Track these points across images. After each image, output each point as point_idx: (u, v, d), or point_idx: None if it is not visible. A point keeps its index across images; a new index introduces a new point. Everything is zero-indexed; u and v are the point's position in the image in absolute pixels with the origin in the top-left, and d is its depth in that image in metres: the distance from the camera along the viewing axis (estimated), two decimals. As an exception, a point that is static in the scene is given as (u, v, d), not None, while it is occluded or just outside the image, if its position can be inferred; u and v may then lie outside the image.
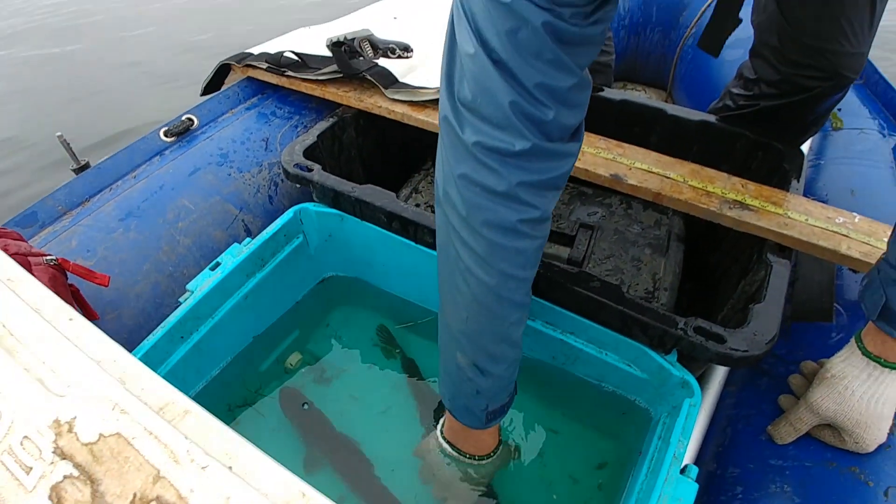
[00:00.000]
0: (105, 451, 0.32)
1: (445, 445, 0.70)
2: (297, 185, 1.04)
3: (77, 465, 0.31)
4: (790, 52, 0.85)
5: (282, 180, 1.01)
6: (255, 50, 1.12)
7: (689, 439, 0.64)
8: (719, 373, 0.84)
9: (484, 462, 0.70)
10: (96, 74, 3.05)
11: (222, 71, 1.14)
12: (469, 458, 0.70)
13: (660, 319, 0.66)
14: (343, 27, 1.15)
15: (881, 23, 0.82)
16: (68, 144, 0.93)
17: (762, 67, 0.90)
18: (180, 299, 0.74)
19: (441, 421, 0.73)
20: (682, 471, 0.60)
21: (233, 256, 0.79)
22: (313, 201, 0.88)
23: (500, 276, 0.54)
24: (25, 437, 0.33)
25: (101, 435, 0.32)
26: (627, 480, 0.73)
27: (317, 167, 0.85)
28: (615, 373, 0.76)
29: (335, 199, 0.84)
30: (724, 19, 0.48)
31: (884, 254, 0.57)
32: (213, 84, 1.15)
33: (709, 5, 1.61)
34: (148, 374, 0.35)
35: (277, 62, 1.06)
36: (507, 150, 0.47)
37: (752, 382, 0.79)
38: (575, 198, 1.00)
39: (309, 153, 0.89)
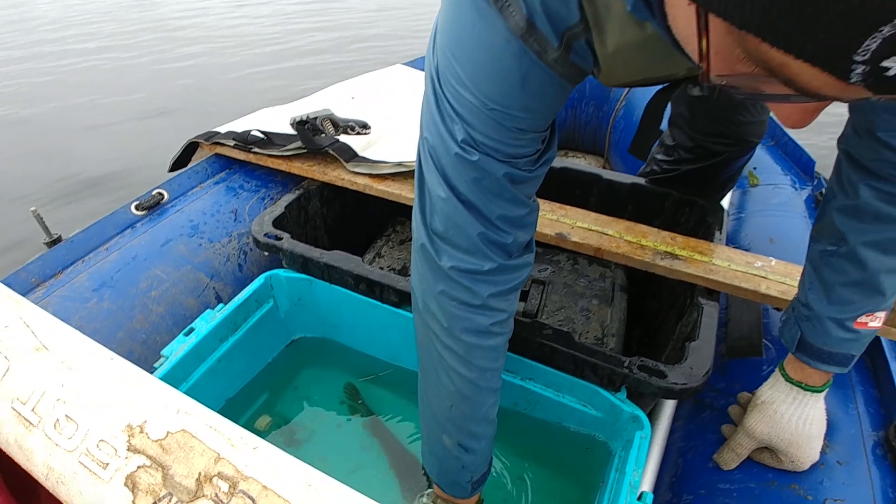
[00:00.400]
0: (173, 444, 0.37)
1: None
2: (266, 254, 1.08)
3: (149, 458, 0.37)
4: (699, 122, 0.99)
5: (251, 249, 1.06)
6: (222, 129, 1.19)
7: (642, 468, 0.69)
8: (667, 409, 0.91)
9: None
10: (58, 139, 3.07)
11: (190, 149, 1.21)
12: None
13: (607, 360, 0.73)
14: (305, 107, 1.25)
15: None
16: (41, 218, 0.96)
17: (678, 135, 1.04)
18: (155, 365, 0.76)
19: (428, 492, 0.80)
20: (639, 498, 0.66)
21: (206, 322, 0.82)
22: (282, 268, 0.93)
23: (479, 370, 0.63)
24: (101, 440, 0.37)
25: (168, 432, 0.38)
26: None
27: (286, 235, 0.91)
28: (573, 414, 0.82)
29: (304, 265, 0.89)
30: (650, 131, 0.60)
31: (797, 293, 0.67)
32: (181, 161, 1.21)
33: (635, 82, 1.80)
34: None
35: (244, 140, 1.13)
36: (478, 270, 0.57)
37: (698, 416, 0.86)
38: (527, 255, 1.09)
39: (277, 223, 0.95)
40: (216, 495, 0.36)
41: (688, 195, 1.04)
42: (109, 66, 4.25)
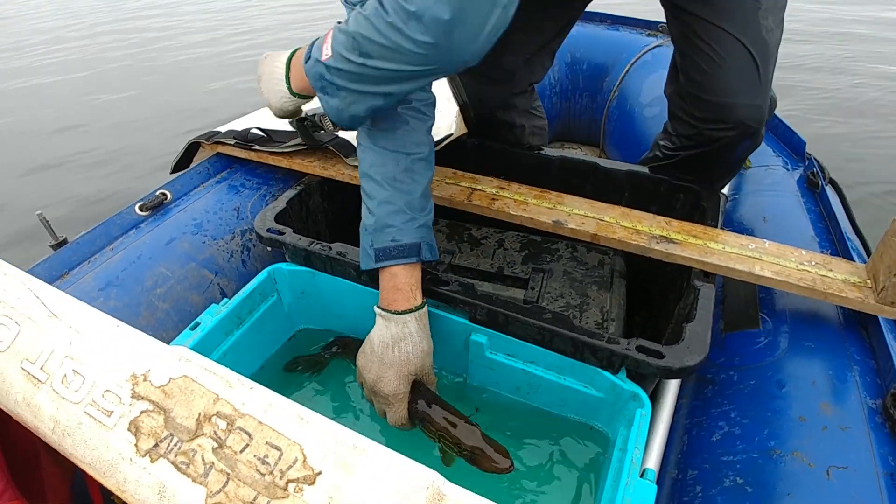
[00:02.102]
0: (174, 389, 0.40)
1: (377, 310, 0.81)
2: (269, 249, 1.10)
3: (152, 402, 0.40)
4: (695, 109, 1.01)
5: (254, 245, 1.08)
6: (223, 129, 1.21)
7: (643, 446, 0.71)
8: (671, 390, 0.93)
9: (405, 315, 0.79)
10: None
11: (191, 150, 1.22)
12: (393, 312, 0.78)
13: (606, 341, 0.75)
14: (304, 105, 1.26)
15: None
16: (47, 221, 0.97)
17: (678, 124, 1.06)
18: (163, 359, 0.78)
19: None
20: (641, 475, 0.67)
21: (212, 315, 0.84)
22: (285, 262, 0.94)
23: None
24: (107, 390, 0.39)
25: (170, 378, 0.41)
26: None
27: (288, 230, 0.92)
28: (574, 396, 0.83)
29: (307, 258, 0.91)
30: None
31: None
32: (183, 162, 1.23)
33: (626, 72, 1.83)
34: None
35: (245, 138, 1.15)
36: None
37: (700, 392, 0.88)
38: (526, 245, 1.11)
39: (279, 218, 0.97)
40: (214, 433, 0.38)
41: (683, 181, 1.06)
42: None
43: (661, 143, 1.14)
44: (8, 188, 2.78)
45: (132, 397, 0.40)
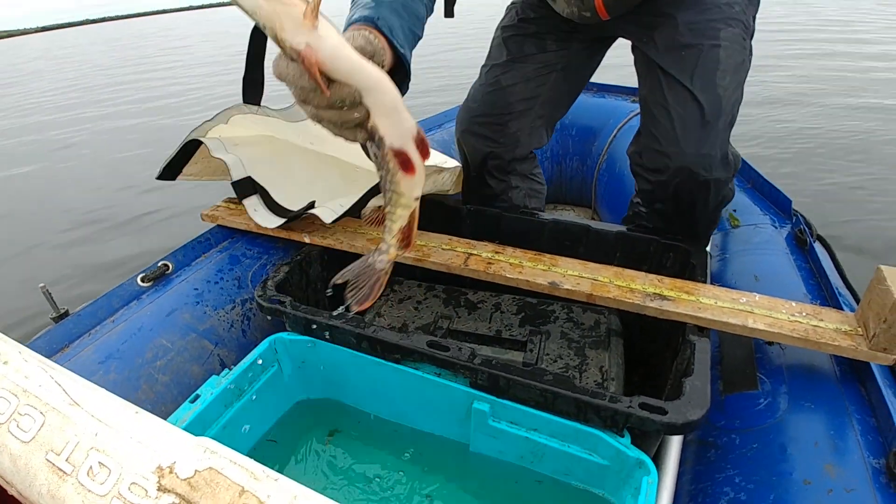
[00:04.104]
0: (200, 482, 0.39)
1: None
2: (269, 318, 1.11)
3: (178, 495, 0.39)
4: (648, 161, 1.09)
5: (254, 314, 1.09)
6: (223, 134, 1.17)
7: (651, 513, 0.69)
8: (673, 453, 0.91)
9: None
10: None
11: (188, 149, 1.15)
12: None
13: (609, 400, 0.75)
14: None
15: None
16: (50, 294, 0.98)
17: (639, 181, 1.14)
18: (163, 434, 0.77)
19: None
20: (650, 543, 0.66)
21: (212, 387, 0.84)
22: (286, 331, 0.95)
23: None
24: (133, 483, 0.39)
25: (196, 471, 0.41)
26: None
27: (288, 299, 0.94)
28: (579, 464, 0.82)
29: (307, 327, 0.92)
30: None
31: None
32: (176, 163, 1.17)
33: (614, 136, 1.90)
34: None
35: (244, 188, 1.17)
36: None
37: (703, 457, 0.87)
38: (522, 308, 1.12)
39: (280, 287, 0.98)
40: (241, 525, 0.38)
41: (672, 240, 1.09)
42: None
43: (635, 200, 1.20)
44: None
45: (158, 490, 0.40)
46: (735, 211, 1.41)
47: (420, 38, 0.80)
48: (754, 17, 1.09)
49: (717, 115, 1.03)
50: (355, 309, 0.75)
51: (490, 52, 1.30)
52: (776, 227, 1.34)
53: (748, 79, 1.09)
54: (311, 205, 1.12)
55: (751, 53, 1.08)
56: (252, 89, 1.03)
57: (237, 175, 1.16)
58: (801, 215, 1.32)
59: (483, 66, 1.31)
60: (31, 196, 3.79)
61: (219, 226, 1.24)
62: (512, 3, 1.30)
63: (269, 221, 1.15)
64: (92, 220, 3.22)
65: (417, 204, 0.64)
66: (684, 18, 1.05)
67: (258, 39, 0.92)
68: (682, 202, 1.09)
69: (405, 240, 0.70)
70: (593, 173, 2.01)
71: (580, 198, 2.12)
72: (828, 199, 2.94)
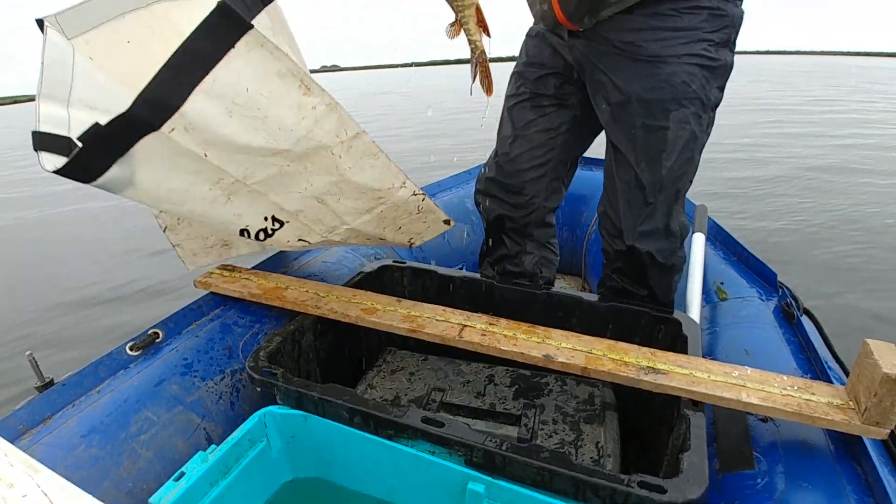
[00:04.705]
0: None
1: None
2: (259, 389, 1.09)
3: None
4: (607, 226, 1.22)
5: (243, 386, 1.07)
6: None
7: None
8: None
9: None
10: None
11: None
12: None
13: (607, 479, 0.73)
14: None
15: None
16: (36, 362, 0.96)
17: (603, 241, 1.26)
18: (143, 515, 0.74)
19: None
20: None
21: (198, 465, 0.81)
22: (275, 404, 0.93)
23: None
24: None
25: None
26: None
27: (280, 371, 0.93)
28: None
29: (298, 401, 0.90)
30: None
31: None
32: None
33: (602, 209, 1.96)
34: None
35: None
36: None
37: (704, 540, 0.84)
38: (516, 380, 1.11)
39: (272, 358, 0.97)
40: None
41: (662, 312, 1.11)
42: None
43: (604, 261, 1.30)
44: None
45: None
46: (723, 283, 1.44)
47: None
48: (721, 87, 1.09)
49: (658, 194, 1.11)
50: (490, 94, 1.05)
51: (500, 121, 1.36)
52: (763, 300, 1.37)
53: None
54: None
55: (710, 124, 1.11)
56: None
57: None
58: (787, 288, 1.35)
59: (497, 135, 1.37)
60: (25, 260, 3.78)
61: (212, 293, 1.24)
62: (512, 73, 1.35)
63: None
64: (83, 284, 3.19)
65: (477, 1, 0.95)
66: (638, 90, 1.06)
67: None
68: (634, 268, 1.19)
69: (484, 29, 0.98)
70: (583, 243, 2.05)
71: (570, 266, 2.15)
72: (812, 269, 3.01)
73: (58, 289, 3.15)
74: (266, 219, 1.04)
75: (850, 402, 0.85)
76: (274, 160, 0.91)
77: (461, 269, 1.76)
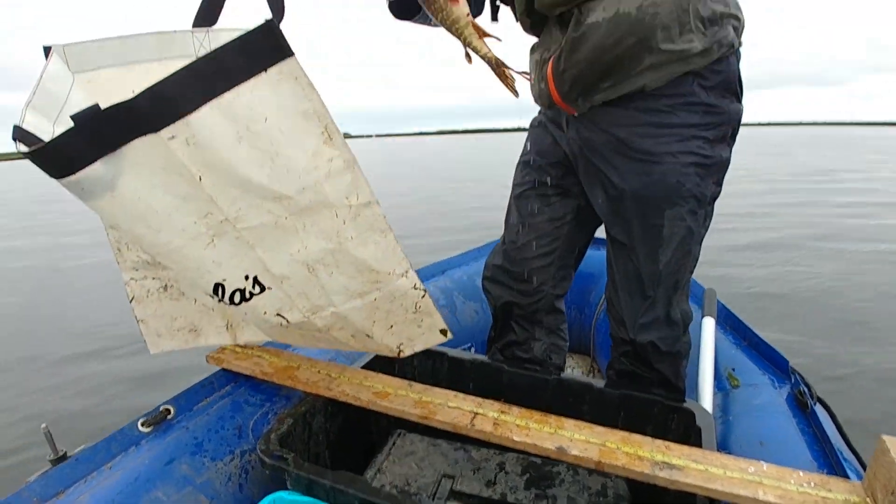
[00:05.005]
0: None
1: None
2: (267, 472, 1.08)
3: None
4: (612, 313, 1.26)
5: (252, 467, 1.06)
6: None
7: None
8: None
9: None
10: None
11: None
12: None
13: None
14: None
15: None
16: (51, 435, 0.96)
17: (612, 329, 1.28)
18: None
19: None
20: None
21: (205, 554, 0.79)
22: (285, 487, 0.92)
23: None
24: None
25: None
26: None
27: (291, 455, 0.92)
28: None
29: (309, 487, 0.89)
30: None
31: None
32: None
33: (611, 289, 1.98)
34: None
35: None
36: None
37: None
38: (527, 468, 1.10)
39: (283, 441, 0.97)
40: None
41: (674, 401, 1.10)
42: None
43: (612, 350, 1.32)
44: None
45: None
46: (734, 370, 1.44)
47: None
48: (718, 181, 1.08)
49: (657, 287, 1.13)
50: (516, 96, 1.09)
51: (507, 209, 1.40)
52: (776, 388, 1.36)
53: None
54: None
55: (708, 217, 1.11)
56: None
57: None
58: (799, 374, 1.34)
59: (504, 223, 1.40)
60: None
61: (223, 369, 1.25)
62: (518, 162, 1.38)
63: None
64: (97, 361, 3.22)
65: (470, 17, 1.01)
66: (631, 186, 1.06)
67: None
68: (639, 354, 1.21)
69: (481, 35, 1.03)
70: (591, 322, 2.06)
71: (578, 345, 2.15)
72: (825, 355, 2.97)
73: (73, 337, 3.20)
74: (247, 278, 0.91)
75: (868, 500, 0.84)
76: (272, 206, 0.81)
77: (470, 348, 1.77)
